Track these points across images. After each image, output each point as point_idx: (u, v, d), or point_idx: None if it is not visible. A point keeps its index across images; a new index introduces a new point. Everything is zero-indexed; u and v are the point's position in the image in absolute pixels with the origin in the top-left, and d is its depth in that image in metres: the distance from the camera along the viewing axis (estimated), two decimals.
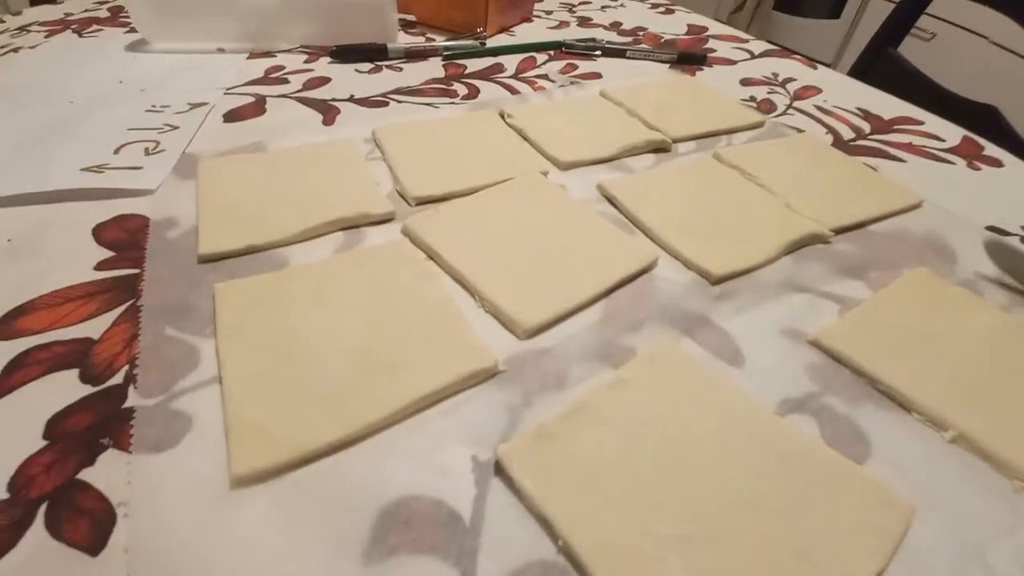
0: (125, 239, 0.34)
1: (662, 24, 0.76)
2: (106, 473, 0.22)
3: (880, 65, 0.81)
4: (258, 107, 0.48)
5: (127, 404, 0.24)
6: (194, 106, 0.48)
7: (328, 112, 0.48)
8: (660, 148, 0.46)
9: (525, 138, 0.45)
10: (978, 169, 0.47)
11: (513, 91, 0.54)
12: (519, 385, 0.26)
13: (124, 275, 0.31)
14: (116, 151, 0.41)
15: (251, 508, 0.21)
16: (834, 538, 0.21)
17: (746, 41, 0.71)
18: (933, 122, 0.53)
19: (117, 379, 0.26)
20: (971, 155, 0.49)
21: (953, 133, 0.52)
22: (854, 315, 0.31)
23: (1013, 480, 0.24)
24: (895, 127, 0.53)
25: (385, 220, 0.36)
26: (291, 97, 0.50)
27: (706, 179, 0.42)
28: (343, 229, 0.35)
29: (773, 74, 0.62)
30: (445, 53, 0.60)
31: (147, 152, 0.41)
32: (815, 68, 0.64)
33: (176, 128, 0.44)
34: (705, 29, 0.75)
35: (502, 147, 0.44)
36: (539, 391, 0.26)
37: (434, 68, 0.58)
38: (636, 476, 0.22)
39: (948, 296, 0.33)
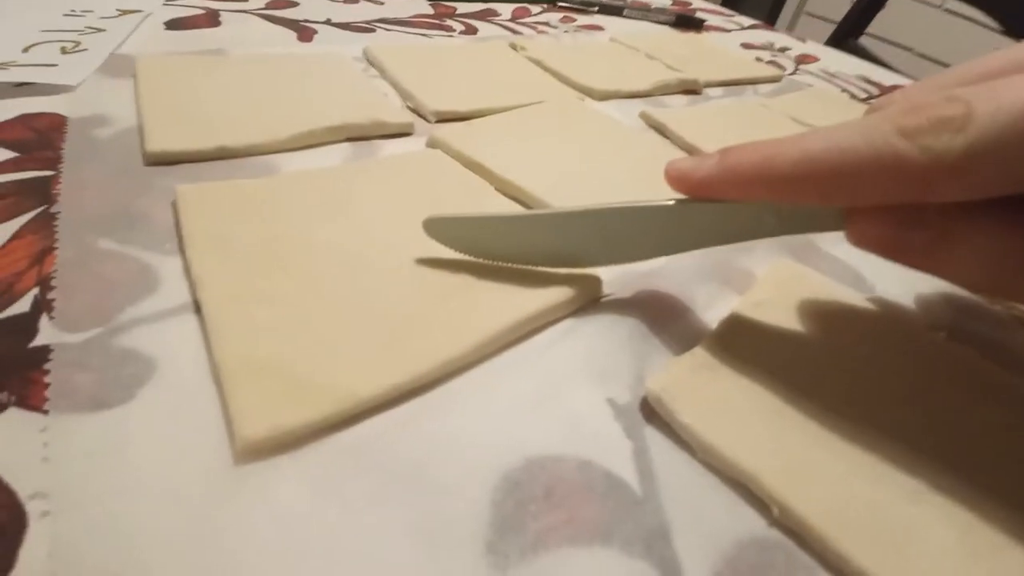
0: (33, 138, 0.23)
1: None
2: (2, 447, 0.13)
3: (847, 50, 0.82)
4: (211, 18, 0.39)
5: (36, 342, 0.15)
6: (125, 12, 0.37)
7: (303, 30, 0.39)
8: (691, 90, 0.41)
9: (546, 69, 0.39)
10: None
11: (515, 32, 0.48)
12: (635, 310, 0.19)
13: (32, 178, 0.21)
14: (25, 50, 0.31)
15: (278, 491, 0.12)
16: None
17: (731, 15, 0.70)
18: None
19: (20, 307, 0.16)
20: None
21: None
22: None
23: None
24: None
25: (402, 133, 0.28)
26: (252, 13, 0.41)
27: (752, 118, 0.37)
28: (350, 140, 0.27)
29: (769, 43, 0.60)
30: None
31: (64, 51, 0.31)
32: (804, 42, 0.63)
33: (102, 31, 0.34)
34: (689, 3, 0.72)
35: (523, 74, 0.37)
36: (663, 317, 0.19)
37: (420, 5, 0.50)
38: (824, 411, 0.16)
39: None
